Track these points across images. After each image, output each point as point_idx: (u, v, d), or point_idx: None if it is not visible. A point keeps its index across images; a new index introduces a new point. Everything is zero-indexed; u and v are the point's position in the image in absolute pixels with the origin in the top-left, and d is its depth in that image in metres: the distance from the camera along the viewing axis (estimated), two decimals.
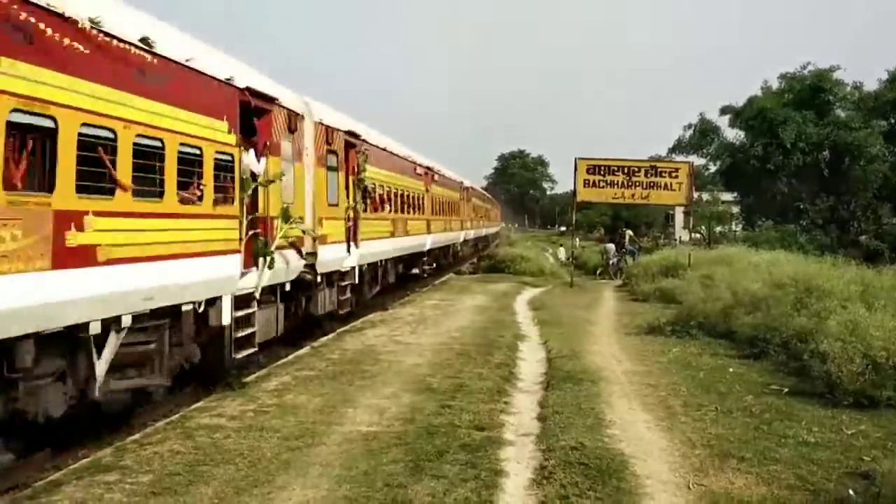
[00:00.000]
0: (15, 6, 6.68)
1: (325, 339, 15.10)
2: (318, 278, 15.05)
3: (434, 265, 31.93)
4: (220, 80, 10.64)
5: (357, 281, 18.18)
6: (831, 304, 13.42)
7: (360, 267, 18.49)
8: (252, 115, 11.61)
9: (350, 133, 17.41)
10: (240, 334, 11.36)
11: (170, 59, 9.27)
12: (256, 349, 12.02)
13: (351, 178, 17.50)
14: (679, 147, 46.39)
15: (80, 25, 7.50)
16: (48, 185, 7.13)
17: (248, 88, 11.34)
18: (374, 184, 19.48)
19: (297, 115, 13.80)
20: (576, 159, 27.02)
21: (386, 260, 22.04)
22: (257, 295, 11.93)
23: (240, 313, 11.34)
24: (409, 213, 25.21)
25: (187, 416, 9.22)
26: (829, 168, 42.32)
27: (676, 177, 26.88)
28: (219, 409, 9.43)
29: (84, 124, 7.56)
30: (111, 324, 8.24)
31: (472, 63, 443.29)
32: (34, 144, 6.99)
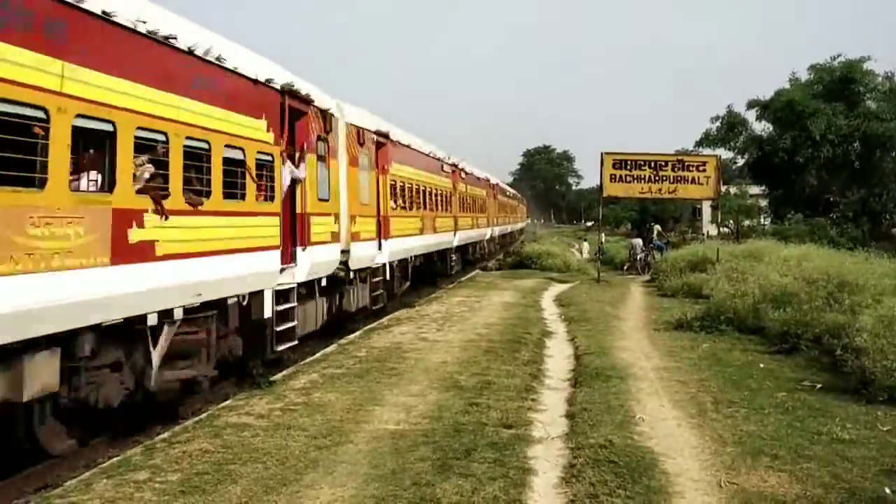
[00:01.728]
0: None
1: (352, 336, 15.12)
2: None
3: (507, 241, 55.36)
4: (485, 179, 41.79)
5: (493, 243, 44.30)
6: (864, 298, 13.23)
7: (494, 237, 44.93)
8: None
9: (497, 185, 47.67)
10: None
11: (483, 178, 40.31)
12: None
13: (494, 200, 43.18)
14: (706, 140, 45.87)
15: None
16: None
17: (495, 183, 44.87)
18: (500, 203, 48.31)
19: (489, 181, 42.54)
20: (602, 154, 26.80)
21: (494, 235, 45.12)
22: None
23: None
24: (503, 214, 50.49)
25: (215, 414, 9.26)
26: (859, 160, 41.65)
27: (704, 170, 26.57)
28: (246, 408, 9.46)
29: None
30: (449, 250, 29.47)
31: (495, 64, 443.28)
32: None
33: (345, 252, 15.02)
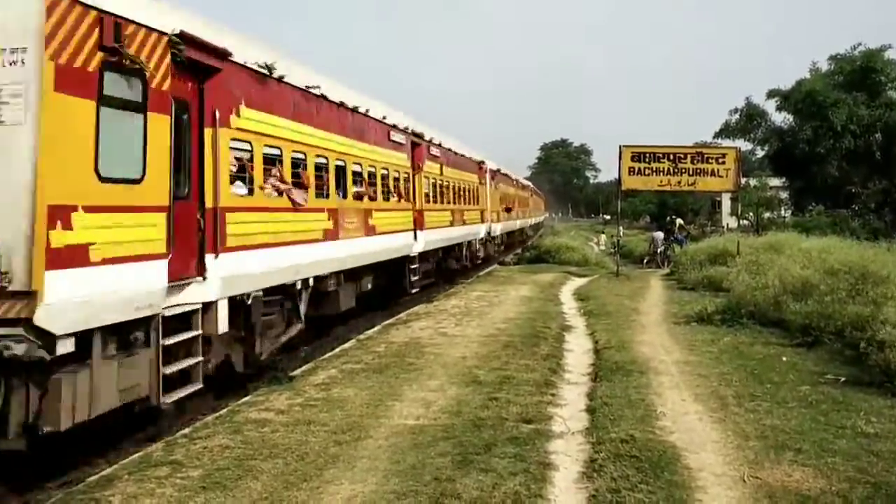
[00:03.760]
0: None
1: (370, 332, 15.13)
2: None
3: (537, 228, 70.27)
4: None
5: (532, 229, 62.71)
6: (888, 290, 13.09)
7: (532, 225, 63.97)
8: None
9: (534, 189, 71.02)
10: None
11: (527, 187, 60.11)
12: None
13: (532, 199, 61.50)
14: (725, 132, 45.53)
15: None
16: None
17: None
18: (534, 201, 64.61)
19: (531, 187, 65.73)
20: (620, 147, 26.63)
21: (532, 223, 63.12)
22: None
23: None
24: (535, 208, 66.19)
25: (235, 410, 9.28)
26: (881, 151, 41.16)
27: (723, 163, 26.33)
28: (266, 404, 9.48)
29: None
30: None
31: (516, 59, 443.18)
32: None
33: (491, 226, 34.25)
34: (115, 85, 7.56)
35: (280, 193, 11.51)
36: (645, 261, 34.54)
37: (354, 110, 15.24)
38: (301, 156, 12.46)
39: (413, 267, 19.96)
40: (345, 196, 14.45)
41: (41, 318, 6.51)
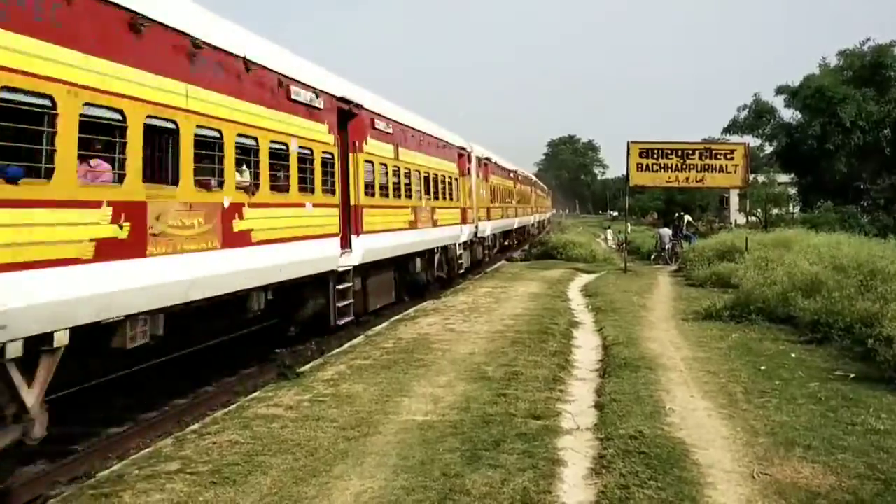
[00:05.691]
0: None
1: (378, 328, 15.15)
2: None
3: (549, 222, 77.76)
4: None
5: (548, 222, 75.53)
6: None
7: (548, 219, 76.94)
8: None
9: (549, 190, 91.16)
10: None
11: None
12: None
13: (546, 198, 78.44)
14: (733, 128, 45.45)
15: None
16: None
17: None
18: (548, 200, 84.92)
19: (545, 189, 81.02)
20: (628, 143, 26.55)
21: (548, 218, 77.28)
22: None
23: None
24: (548, 207, 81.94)
25: (245, 405, 9.31)
26: (890, 146, 41.04)
27: (732, 158, 26.24)
28: (275, 399, 9.50)
29: None
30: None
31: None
32: None
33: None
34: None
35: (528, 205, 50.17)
36: (652, 257, 34.44)
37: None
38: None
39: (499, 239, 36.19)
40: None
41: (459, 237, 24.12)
